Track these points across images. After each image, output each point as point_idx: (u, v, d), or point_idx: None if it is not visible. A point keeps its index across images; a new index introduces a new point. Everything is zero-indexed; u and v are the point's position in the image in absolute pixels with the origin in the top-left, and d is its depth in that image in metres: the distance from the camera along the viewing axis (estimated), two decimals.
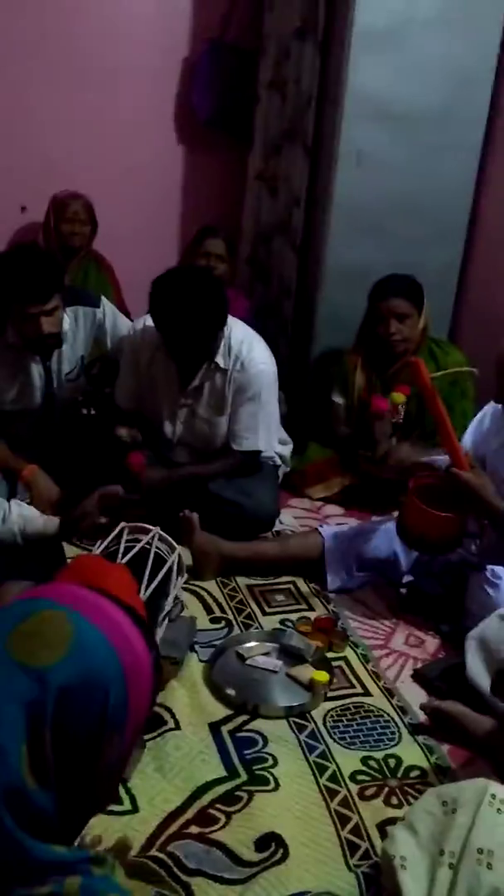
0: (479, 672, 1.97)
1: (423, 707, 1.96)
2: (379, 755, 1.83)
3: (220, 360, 2.70)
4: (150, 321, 2.69)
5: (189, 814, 1.61)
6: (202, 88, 3.92)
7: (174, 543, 2.20)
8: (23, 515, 2.26)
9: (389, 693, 2.05)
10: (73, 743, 0.79)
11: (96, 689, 0.80)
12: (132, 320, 3.11)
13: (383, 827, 1.61)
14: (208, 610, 2.36)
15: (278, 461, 3.00)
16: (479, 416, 2.48)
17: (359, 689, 2.07)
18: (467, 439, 2.41)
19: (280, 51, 3.69)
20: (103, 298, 2.96)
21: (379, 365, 3.15)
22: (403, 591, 2.51)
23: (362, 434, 3.09)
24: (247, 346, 2.73)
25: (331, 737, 1.88)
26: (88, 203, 3.58)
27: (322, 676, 2.01)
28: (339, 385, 3.26)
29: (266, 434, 2.80)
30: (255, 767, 1.74)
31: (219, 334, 2.64)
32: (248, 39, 3.89)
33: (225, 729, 1.86)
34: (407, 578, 2.52)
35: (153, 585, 1.96)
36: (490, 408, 2.44)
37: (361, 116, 3.31)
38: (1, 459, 2.71)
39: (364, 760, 1.81)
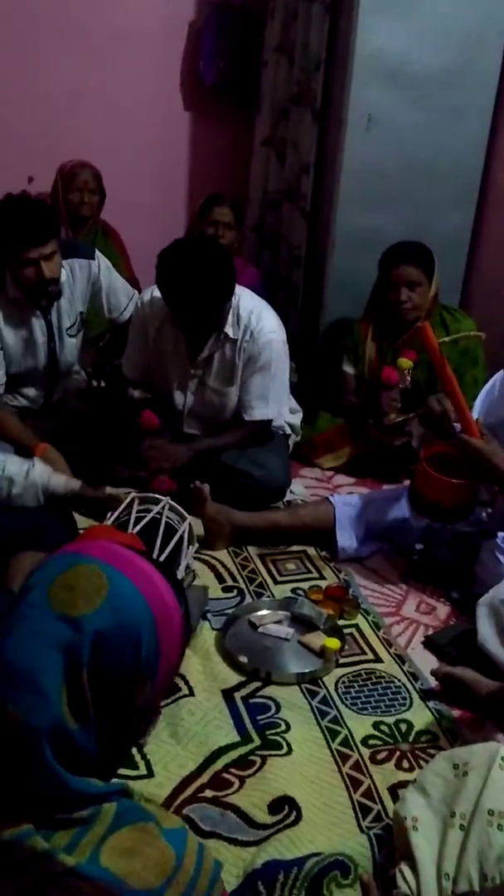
0: (489, 638, 1.98)
1: (433, 673, 1.97)
2: (390, 720, 1.85)
3: (229, 329, 2.69)
4: (157, 292, 2.67)
5: (203, 778, 1.64)
6: (208, 53, 3.87)
7: (184, 513, 2.22)
8: (46, 471, 2.28)
9: (401, 659, 2.07)
10: (108, 685, 0.85)
11: (129, 636, 0.86)
12: (140, 290, 3.11)
13: (395, 790, 1.63)
14: (220, 579, 2.38)
15: (289, 430, 3.00)
16: (489, 383, 2.46)
17: (370, 656, 2.08)
18: (478, 406, 2.40)
19: (287, 13, 3.62)
20: (97, 251, 2.97)
21: (389, 333, 3.14)
22: (415, 558, 2.51)
23: (372, 404, 3.08)
24: (256, 316, 2.71)
25: (342, 702, 1.89)
26: (96, 172, 3.55)
27: (333, 643, 2.03)
28: (349, 355, 3.25)
29: (277, 403, 2.80)
30: (267, 732, 1.76)
31: (226, 305, 2.62)
32: (254, 2, 3.82)
33: (238, 695, 1.89)
34: (418, 546, 2.53)
35: (164, 555, 1.97)
36: (500, 375, 2.42)
37: (371, 79, 3.25)
38: (14, 436, 2.72)
39: (376, 725, 1.83)
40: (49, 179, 3.61)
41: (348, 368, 3.25)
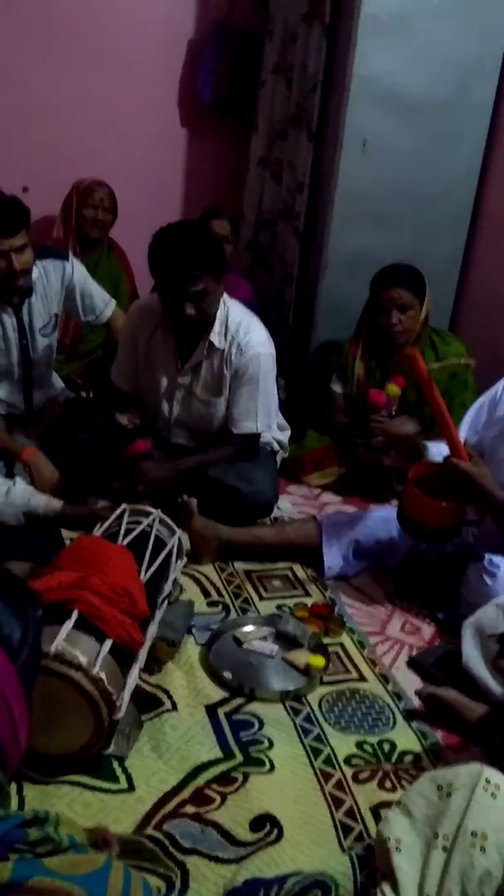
0: (474, 660, 1.98)
1: (418, 693, 1.97)
2: (373, 739, 1.84)
3: (215, 339, 2.69)
4: (148, 301, 2.69)
5: (185, 794, 1.63)
6: (206, 72, 3.90)
7: (174, 527, 2.22)
8: (26, 492, 2.27)
9: (385, 679, 2.07)
10: None
11: None
12: None
13: (377, 810, 1.63)
14: (206, 594, 2.37)
15: (276, 447, 3.01)
16: (476, 404, 2.48)
17: (354, 675, 2.08)
18: (465, 428, 2.42)
19: (286, 35, 3.66)
20: (71, 255, 2.99)
21: (378, 354, 3.16)
22: (400, 578, 2.51)
23: (360, 424, 3.10)
24: (244, 329, 2.71)
25: (326, 721, 1.89)
26: (113, 192, 3.57)
27: (318, 661, 2.03)
28: (338, 374, 3.26)
29: (265, 416, 2.80)
30: (250, 749, 1.76)
31: (215, 276, 2.55)
32: (254, 23, 3.87)
33: (221, 711, 1.88)
34: (404, 566, 2.53)
35: (153, 568, 1.97)
36: (487, 397, 2.45)
37: (367, 103, 3.29)
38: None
39: (359, 744, 1.82)
40: (44, 192, 3.62)
41: (336, 388, 3.26)
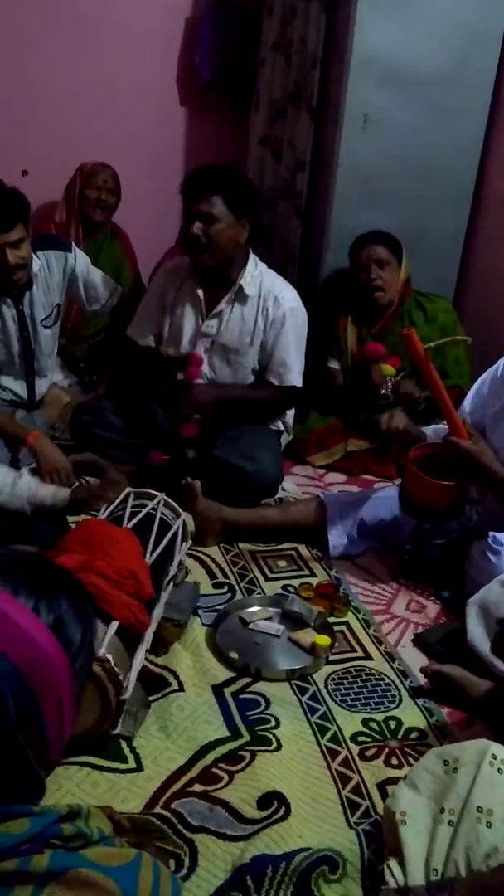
0: (479, 637, 1.99)
1: (423, 670, 1.98)
2: (379, 717, 1.85)
3: (246, 286, 2.75)
4: (178, 261, 2.86)
5: (193, 772, 1.64)
6: (205, 49, 3.85)
7: (179, 509, 2.22)
8: (32, 483, 2.27)
9: (390, 657, 2.08)
10: None
11: None
12: (144, 287, 3.27)
13: (383, 787, 1.64)
14: (211, 575, 2.38)
15: (281, 427, 3.01)
16: (478, 381, 2.48)
17: (360, 653, 2.09)
18: (467, 405, 2.41)
19: (286, 11, 3.61)
20: (74, 245, 3.00)
21: (366, 319, 3.27)
22: (405, 557, 2.52)
23: (360, 388, 3.16)
24: (280, 285, 2.82)
25: (332, 699, 1.90)
26: (116, 174, 3.55)
27: (324, 640, 2.04)
28: (332, 350, 3.32)
29: (298, 373, 2.85)
30: (257, 728, 1.77)
31: (231, 205, 2.64)
32: None
33: (228, 691, 1.89)
34: (408, 545, 2.54)
35: (158, 550, 1.98)
36: (489, 374, 2.44)
37: (368, 79, 3.26)
38: (3, 426, 2.72)
39: (365, 722, 1.83)
40: (43, 174, 3.60)
41: (333, 364, 3.34)
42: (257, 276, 2.79)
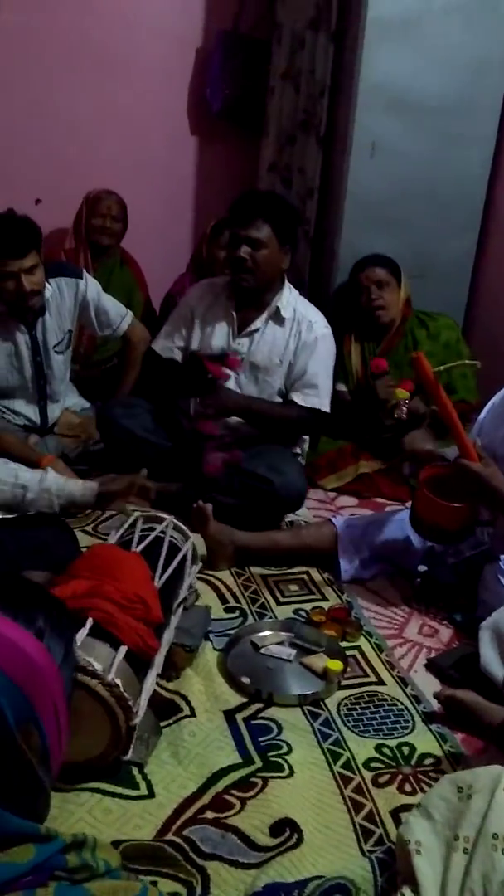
0: (492, 661, 1.97)
1: (436, 696, 1.96)
2: (392, 743, 1.83)
3: (282, 307, 2.81)
4: (214, 279, 2.97)
5: (204, 799, 1.62)
6: (215, 80, 3.91)
7: (188, 532, 2.22)
8: (60, 479, 2.26)
9: (403, 682, 2.06)
10: None
11: None
12: (156, 312, 3.44)
13: (397, 814, 1.62)
14: (222, 599, 2.37)
15: (297, 450, 3.02)
16: (489, 403, 2.48)
17: (372, 678, 2.07)
18: (476, 428, 2.41)
19: (294, 41, 3.67)
20: (86, 273, 3.05)
21: (369, 338, 3.33)
22: (417, 581, 2.51)
23: (365, 404, 3.22)
24: (313, 311, 2.88)
25: (345, 724, 1.88)
26: (122, 201, 3.58)
27: (336, 665, 2.02)
28: (338, 373, 3.32)
29: (326, 398, 2.88)
30: (269, 754, 1.75)
31: (279, 233, 2.71)
32: (261, 30, 3.88)
33: (239, 716, 1.88)
34: (421, 569, 2.53)
35: (167, 573, 1.97)
36: (499, 396, 2.43)
37: (375, 107, 3.29)
38: (17, 451, 2.74)
39: (378, 748, 1.82)
40: (56, 203, 3.64)
41: (341, 387, 3.34)
42: (292, 300, 2.86)
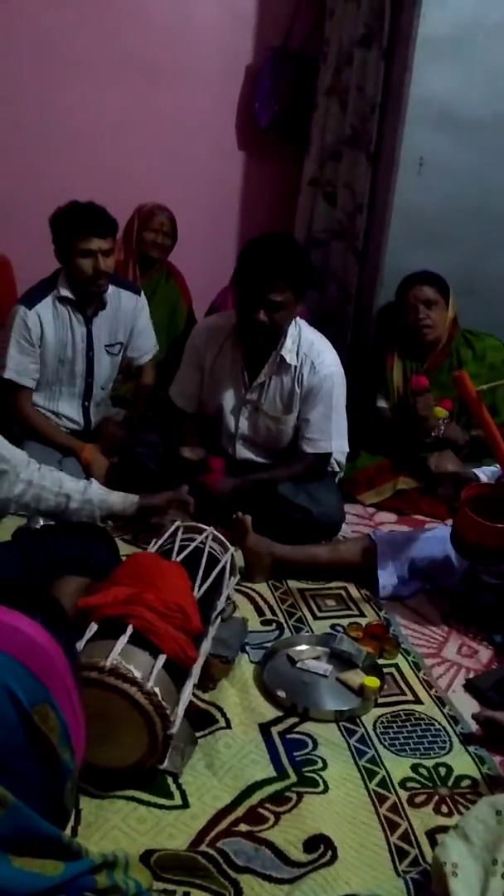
0: None
1: (475, 717, 1.93)
2: (429, 763, 1.81)
3: (287, 355, 2.73)
4: (216, 320, 2.84)
5: (238, 812, 1.62)
6: (264, 95, 3.95)
7: (227, 543, 2.23)
8: (103, 490, 2.30)
9: (441, 702, 2.03)
10: (9, 742, 0.78)
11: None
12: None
13: (433, 835, 1.60)
14: (259, 612, 2.37)
15: (336, 467, 3.00)
16: None
17: (410, 697, 2.05)
18: None
19: (341, 58, 3.69)
20: (142, 293, 3.18)
21: (413, 356, 3.30)
22: (457, 600, 2.48)
23: (406, 422, 3.19)
24: (317, 348, 2.77)
25: (381, 742, 1.87)
26: (173, 217, 3.63)
27: (373, 682, 2.00)
28: (380, 390, 3.33)
29: (338, 437, 2.83)
30: (304, 769, 1.74)
31: (297, 293, 2.60)
32: (310, 47, 3.91)
33: (275, 730, 1.87)
34: (460, 588, 2.50)
35: (206, 584, 1.98)
36: None
37: (424, 123, 3.30)
38: (59, 441, 2.92)
39: (414, 768, 1.79)
40: None
41: (382, 403, 3.34)
42: (296, 337, 2.75)
